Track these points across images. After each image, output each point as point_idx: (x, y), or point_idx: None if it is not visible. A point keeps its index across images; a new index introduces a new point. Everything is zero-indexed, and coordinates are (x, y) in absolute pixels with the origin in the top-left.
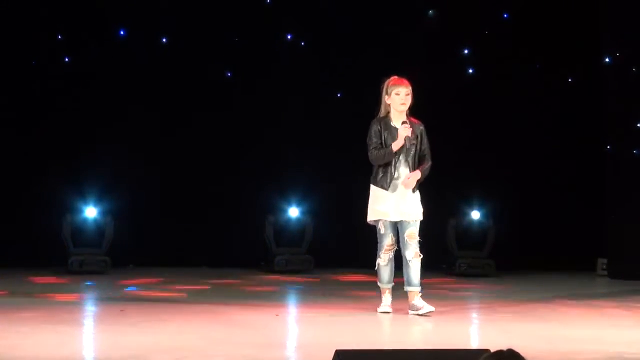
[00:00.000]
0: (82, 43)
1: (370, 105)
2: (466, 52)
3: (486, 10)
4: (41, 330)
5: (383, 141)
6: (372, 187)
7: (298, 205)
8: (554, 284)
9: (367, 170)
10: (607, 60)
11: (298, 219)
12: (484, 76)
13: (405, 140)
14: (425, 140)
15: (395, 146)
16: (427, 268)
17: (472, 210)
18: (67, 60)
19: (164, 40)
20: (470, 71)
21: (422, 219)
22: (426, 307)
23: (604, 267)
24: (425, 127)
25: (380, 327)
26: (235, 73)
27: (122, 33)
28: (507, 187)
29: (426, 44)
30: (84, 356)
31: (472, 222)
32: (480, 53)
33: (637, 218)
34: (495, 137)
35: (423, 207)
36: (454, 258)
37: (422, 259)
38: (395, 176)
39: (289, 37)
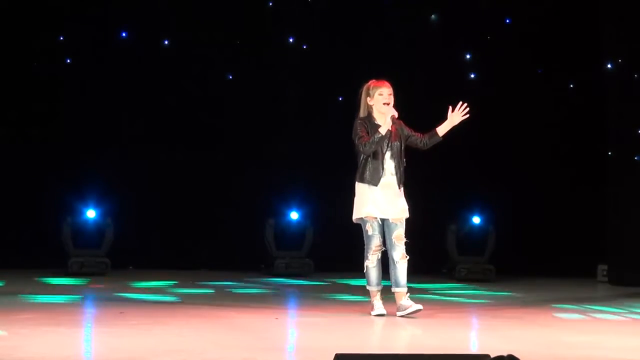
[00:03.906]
0: (83, 45)
1: None
2: (468, 56)
3: (488, 15)
4: (41, 332)
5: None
6: (358, 185)
7: (298, 208)
8: (554, 290)
9: None
10: (609, 65)
11: (298, 222)
12: (485, 81)
13: (391, 119)
14: (406, 129)
15: (383, 128)
16: (427, 273)
17: (472, 215)
18: (68, 61)
19: (166, 42)
20: (472, 76)
21: (408, 216)
22: (414, 306)
23: (604, 273)
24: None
25: (379, 330)
26: (236, 75)
27: (123, 35)
28: (507, 193)
29: (428, 48)
30: (83, 358)
31: (472, 227)
32: (481, 58)
33: (637, 224)
34: (496, 142)
35: (408, 206)
36: (454, 263)
37: (408, 260)
38: (383, 172)
39: (291, 40)
